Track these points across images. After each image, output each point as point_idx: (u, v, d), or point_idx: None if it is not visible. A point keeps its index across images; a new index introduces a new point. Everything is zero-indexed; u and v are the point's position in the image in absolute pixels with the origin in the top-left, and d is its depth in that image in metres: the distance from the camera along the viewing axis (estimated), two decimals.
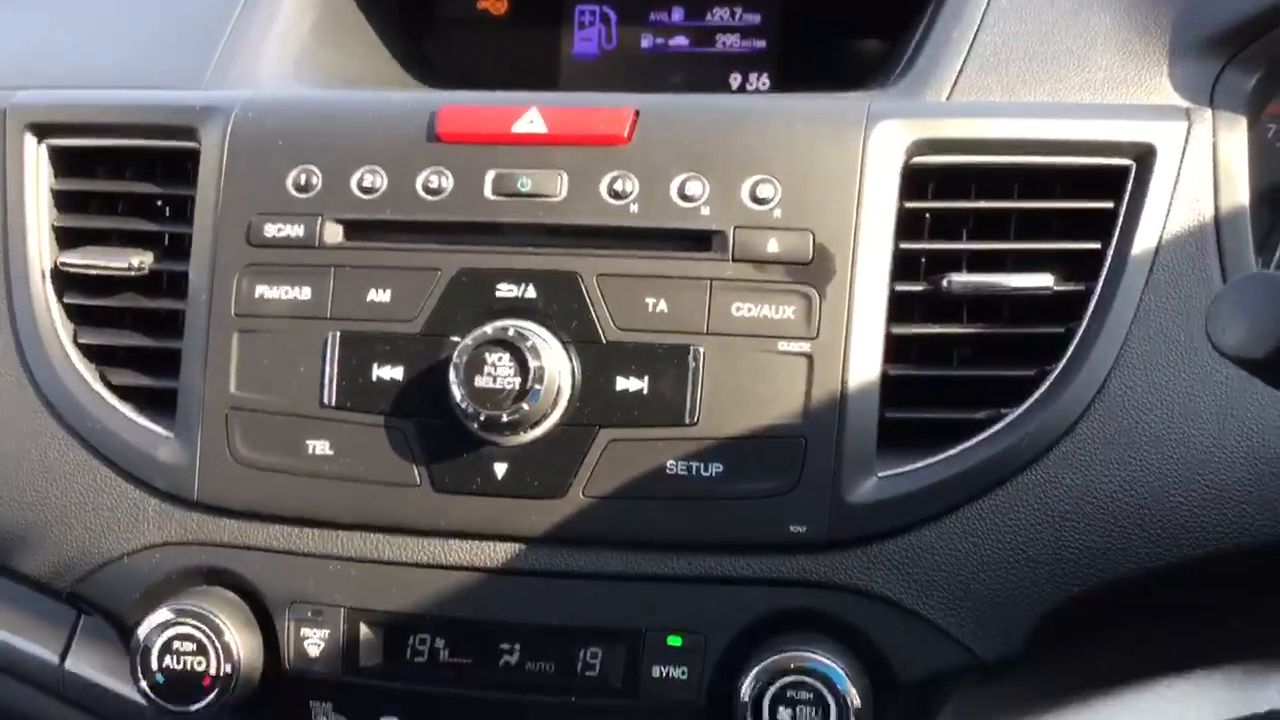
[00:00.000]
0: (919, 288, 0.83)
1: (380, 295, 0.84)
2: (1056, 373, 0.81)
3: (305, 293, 0.85)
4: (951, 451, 0.81)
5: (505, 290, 0.83)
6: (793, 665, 0.78)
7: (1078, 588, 0.79)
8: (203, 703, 0.83)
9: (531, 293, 0.83)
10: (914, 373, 0.82)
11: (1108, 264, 0.82)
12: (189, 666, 0.83)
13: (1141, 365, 0.81)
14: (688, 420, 0.82)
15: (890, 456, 0.82)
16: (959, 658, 0.80)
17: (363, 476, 0.84)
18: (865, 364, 0.81)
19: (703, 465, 0.82)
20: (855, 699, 0.77)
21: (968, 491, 0.80)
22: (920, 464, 0.81)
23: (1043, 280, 0.82)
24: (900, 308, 0.82)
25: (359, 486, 0.85)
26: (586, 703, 0.82)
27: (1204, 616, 0.83)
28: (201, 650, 0.83)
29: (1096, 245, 0.82)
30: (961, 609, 0.80)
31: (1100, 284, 0.82)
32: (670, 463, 0.81)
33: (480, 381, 0.80)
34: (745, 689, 0.78)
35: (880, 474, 0.81)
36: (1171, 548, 0.78)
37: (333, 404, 0.84)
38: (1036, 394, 0.81)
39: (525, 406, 0.80)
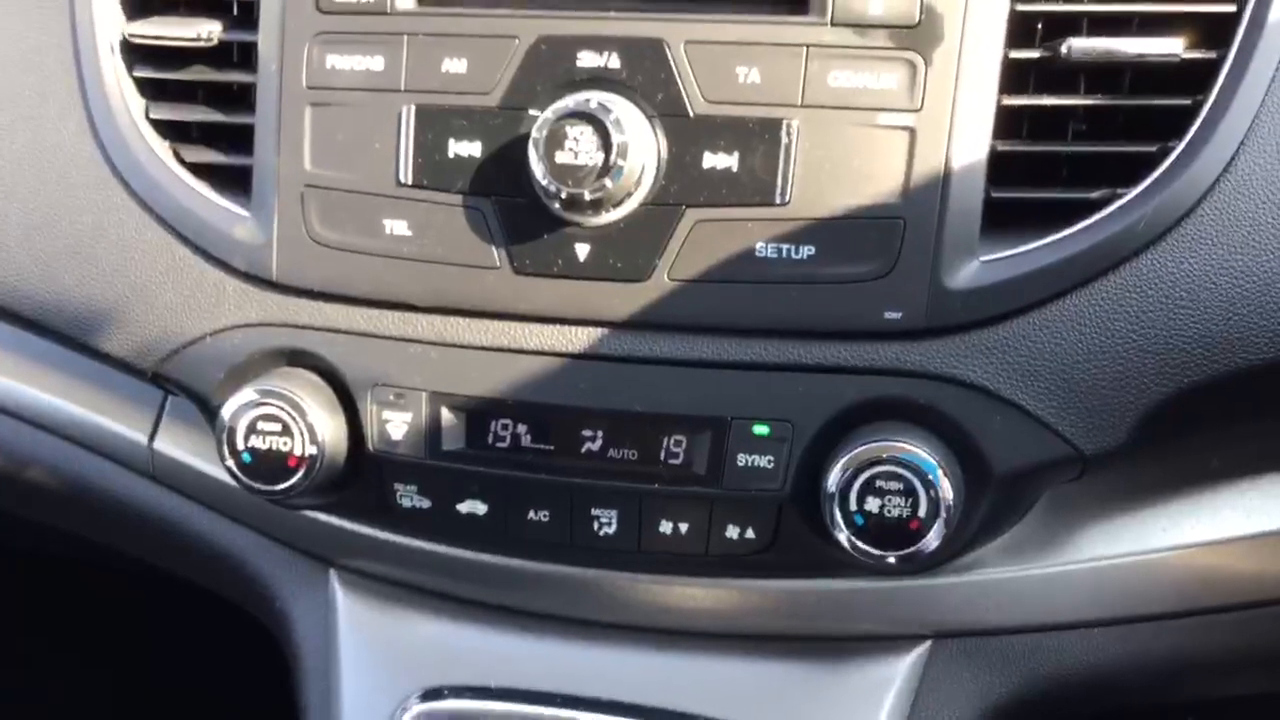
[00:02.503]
0: (1034, 54, 0.76)
1: (455, 65, 0.80)
2: (1180, 149, 0.75)
3: (378, 63, 0.81)
4: (1061, 234, 0.76)
5: (586, 59, 0.78)
6: (883, 455, 0.75)
7: (1189, 379, 0.75)
8: (289, 482, 0.83)
9: (614, 62, 0.78)
10: (1025, 149, 0.76)
11: (1242, 29, 0.75)
12: (274, 447, 0.83)
13: (1274, 143, 0.74)
14: (779, 199, 0.77)
15: (995, 239, 0.76)
16: (1057, 450, 0.76)
17: (441, 258, 0.82)
18: (972, 138, 0.75)
19: (794, 247, 0.77)
20: (947, 491, 0.74)
21: (1077, 277, 0.75)
22: (1027, 247, 0.76)
23: (1170, 46, 0.75)
24: (1012, 77, 0.76)
25: (437, 268, 0.82)
26: (669, 490, 0.81)
27: None
28: (286, 431, 0.83)
29: (1232, 8, 0.75)
30: (1063, 400, 0.76)
31: (1233, 52, 0.75)
32: (760, 244, 0.77)
33: (561, 158, 0.76)
34: (832, 479, 0.76)
35: (983, 258, 0.76)
36: None
37: (409, 182, 0.81)
38: (1156, 173, 0.75)
39: (608, 184, 0.76)
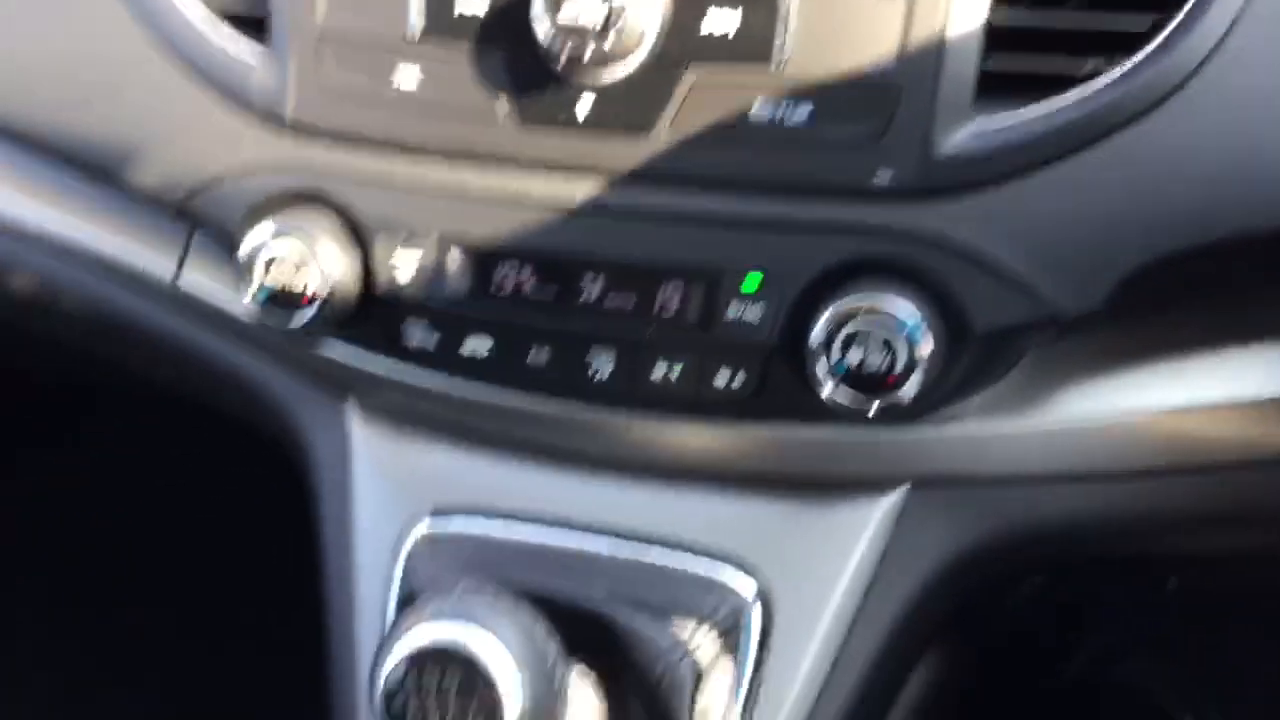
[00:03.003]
0: None
1: None
2: (1175, 23, 0.76)
3: None
4: (1053, 104, 0.77)
5: None
6: (865, 309, 0.79)
7: (1170, 247, 0.77)
8: (305, 317, 0.88)
9: None
10: (1021, 20, 0.78)
11: None
12: (290, 283, 0.87)
13: (1269, 19, 0.75)
14: (777, 61, 0.79)
15: (988, 107, 0.78)
16: (1038, 311, 0.79)
17: (450, 106, 0.85)
18: (969, 7, 0.76)
19: (791, 107, 0.80)
20: (926, 346, 0.78)
21: (1066, 145, 0.77)
22: (1019, 116, 0.78)
23: None
24: None
25: (447, 115, 0.85)
26: (663, 337, 0.85)
27: None
28: (301, 267, 0.87)
29: None
30: (1046, 262, 0.78)
31: None
32: (758, 104, 0.79)
33: (564, 16, 0.78)
34: (816, 330, 0.79)
35: (976, 124, 0.78)
36: (1273, 213, 0.75)
37: (419, 33, 0.83)
38: (1151, 46, 0.76)
39: (611, 41, 0.78)
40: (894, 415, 0.82)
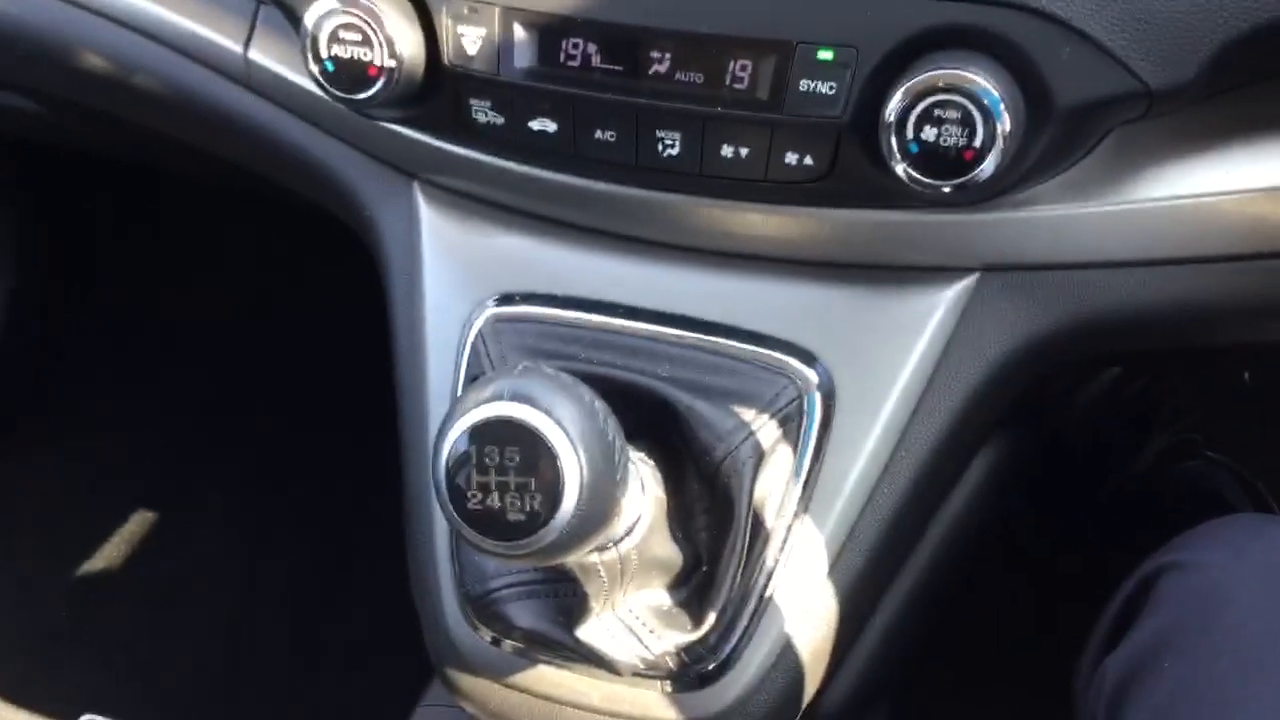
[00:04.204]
0: None
1: None
2: None
3: None
4: None
5: None
6: (943, 83, 0.75)
7: (1265, 17, 0.72)
8: (370, 91, 0.86)
9: None
10: None
11: None
12: (355, 55, 0.86)
13: None
14: None
15: None
16: (1125, 84, 0.75)
17: None
18: None
19: None
20: (1006, 121, 0.75)
21: None
22: None
23: None
24: None
25: None
26: (732, 114, 0.82)
27: None
28: (366, 41, 0.85)
29: None
30: (1135, 32, 0.74)
31: None
32: None
33: None
34: (891, 106, 0.76)
35: None
36: None
37: None
38: None
39: None
40: (968, 195, 0.79)
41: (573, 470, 0.65)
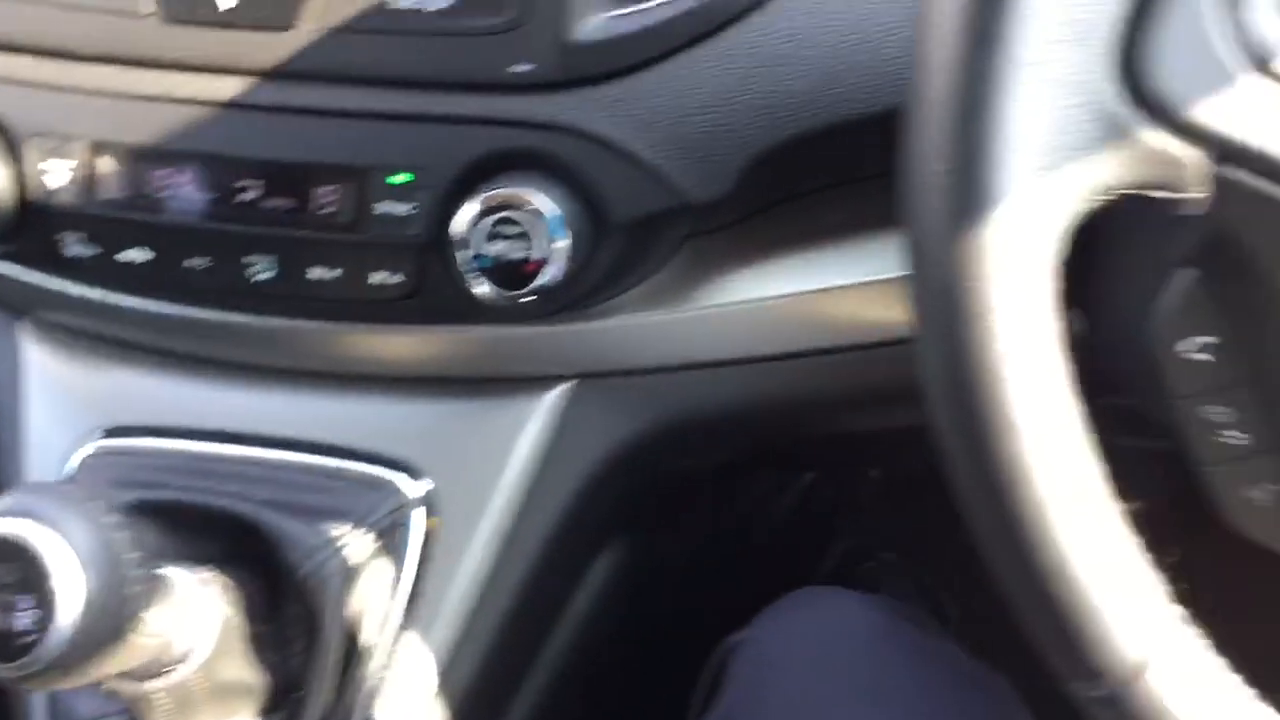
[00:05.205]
0: None
1: None
2: None
3: None
4: None
5: None
6: (501, 201, 0.79)
7: (791, 131, 0.80)
8: None
9: None
10: None
11: None
12: None
13: None
14: None
15: None
16: (671, 199, 0.81)
17: (94, 5, 0.83)
18: None
19: None
20: (564, 236, 0.79)
21: (695, 31, 0.79)
22: (650, 4, 0.80)
23: None
24: None
25: (92, 15, 0.84)
26: (319, 237, 0.84)
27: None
28: None
29: None
30: (676, 150, 0.80)
31: None
32: None
33: None
34: (458, 224, 0.80)
35: (611, 12, 0.80)
36: (881, 94, 0.78)
37: None
38: None
39: None
40: (547, 308, 0.83)
41: (70, 587, 0.64)
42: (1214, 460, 0.58)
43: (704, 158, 0.80)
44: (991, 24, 0.46)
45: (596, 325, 0.88)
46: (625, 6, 0.80)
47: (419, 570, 0.88)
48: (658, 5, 0.79)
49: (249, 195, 0.85)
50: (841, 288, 0.87)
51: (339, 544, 0.85)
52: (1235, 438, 0.57)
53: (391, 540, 0.87)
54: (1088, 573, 0.50)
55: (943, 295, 0.48)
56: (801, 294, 0.88)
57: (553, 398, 0.90)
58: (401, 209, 0.82)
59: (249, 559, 0.82)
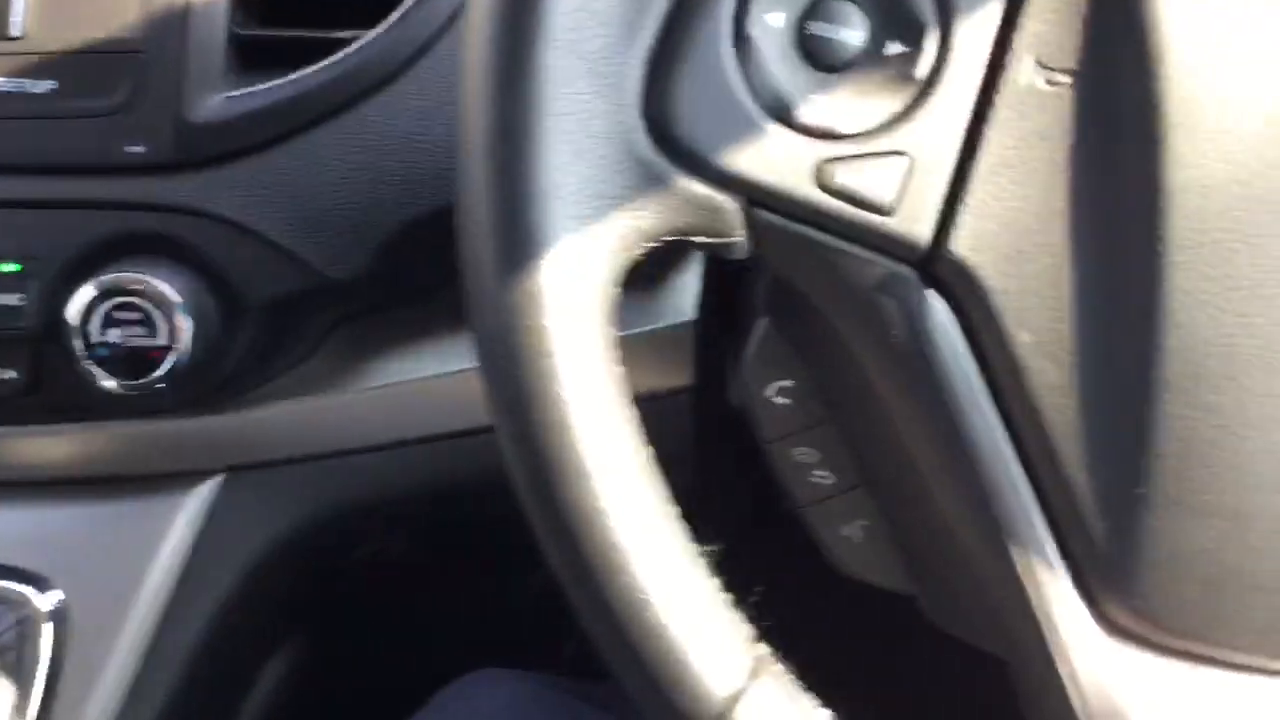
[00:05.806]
0: None
1: None
2: None
3: None
4: (304, 71, 0.78)
5: None
6: (118, 285, 0.76)
7: (425, 208, 0.79)
8: None
9: None
10: None
11: None
12: None
13: None
14: (15, 33, 0.76)
15: (243, 76, 0.78)
16: (305, 279, 0.79)
17: None
18: None
19: (32, 81, 0.76)
20: (187, 321, 0.76)
21: (319, 110, 0.78)
22: (270, 83, 0.78)
23: None
24: None
25: None
26: None
27: None
28: None
29: None
30: (308, 228, 0.78)
31: None
32: None
33: None
34: (71, 310, 0.76)
35: (229, 93, 0.78)
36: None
37: None
38: (395, 15, 0.79)
39: None
40: (184, 400, 0.79)
41: None
42: (807, 501, 0.60)
43: (338, 235, 0.79)
44: (518, 79, 0.47)
45: (246, 415, 0.85)
46: (244, 86, 0.78)
47: (47, 690, 0.81)
48: (280, 84, 0.78)
49: None
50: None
51: None
52: (823, 478, 0.59)
53: (14, 657, 0.80)
54: (666, 616, 0.49)
55: (499, 341, 0.48)
56: (451, 374, 0.87)
57: (200, 494, 0.86)
58: (10, 299, 0.78)
59: None
